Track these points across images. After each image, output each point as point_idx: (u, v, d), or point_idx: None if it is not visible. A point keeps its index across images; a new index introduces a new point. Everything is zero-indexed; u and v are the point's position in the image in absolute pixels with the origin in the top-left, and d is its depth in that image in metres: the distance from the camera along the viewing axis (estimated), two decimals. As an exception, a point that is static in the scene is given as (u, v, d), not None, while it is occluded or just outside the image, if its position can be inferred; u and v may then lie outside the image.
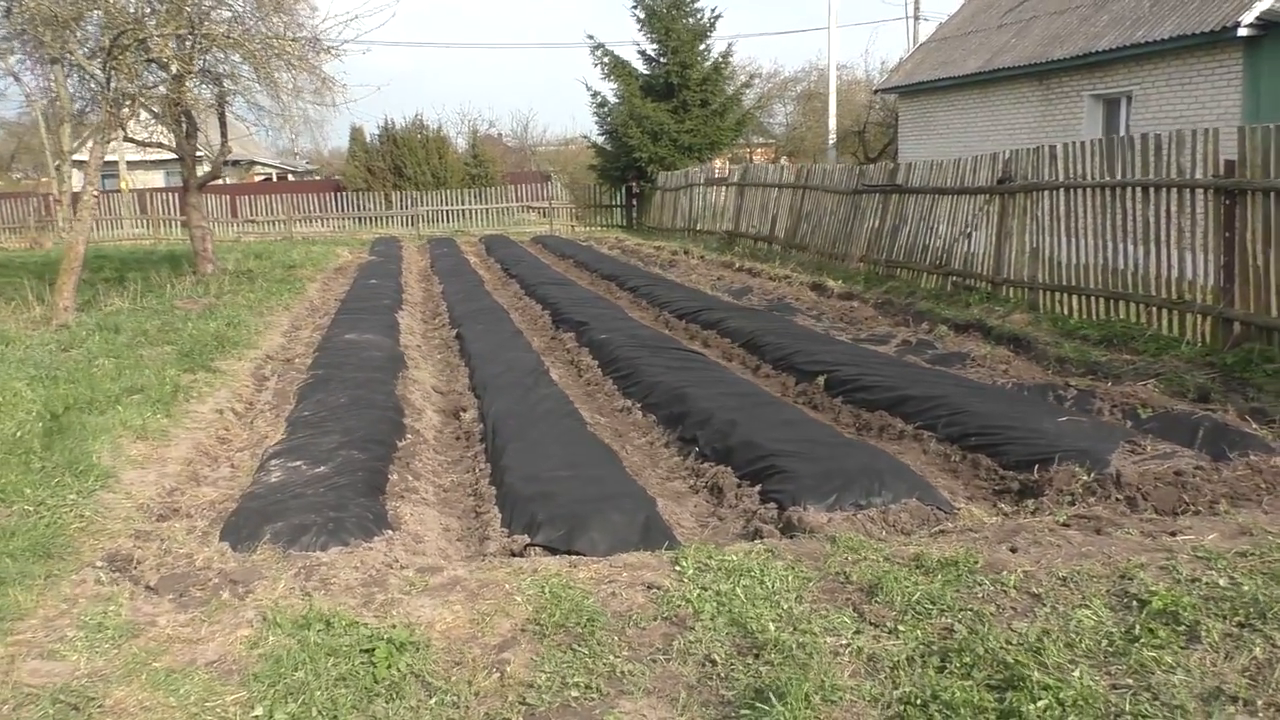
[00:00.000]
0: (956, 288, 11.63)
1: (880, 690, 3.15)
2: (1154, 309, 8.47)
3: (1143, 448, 5.19)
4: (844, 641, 3.51)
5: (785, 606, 3.82)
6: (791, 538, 4.67)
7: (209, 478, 5.86)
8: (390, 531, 4.77)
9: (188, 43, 12.20)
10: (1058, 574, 3.91)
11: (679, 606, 3.90)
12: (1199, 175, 7.82)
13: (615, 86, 27.77)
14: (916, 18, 38.77)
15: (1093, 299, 9.28)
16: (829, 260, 15.44)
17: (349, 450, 5.87)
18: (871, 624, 3.64)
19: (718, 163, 27.73)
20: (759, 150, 42.88)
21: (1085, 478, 4.98)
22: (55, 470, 5.56)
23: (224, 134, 16.58)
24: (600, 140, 29.31)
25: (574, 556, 4.54)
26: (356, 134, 39.47)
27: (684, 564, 4.27)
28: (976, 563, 4.03)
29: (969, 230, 11.59)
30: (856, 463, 5.22)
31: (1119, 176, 8.73)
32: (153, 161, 46.61)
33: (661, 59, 27.82)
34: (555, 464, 5.64)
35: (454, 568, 4.40)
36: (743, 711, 3.06)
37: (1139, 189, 8.49)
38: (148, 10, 11.21)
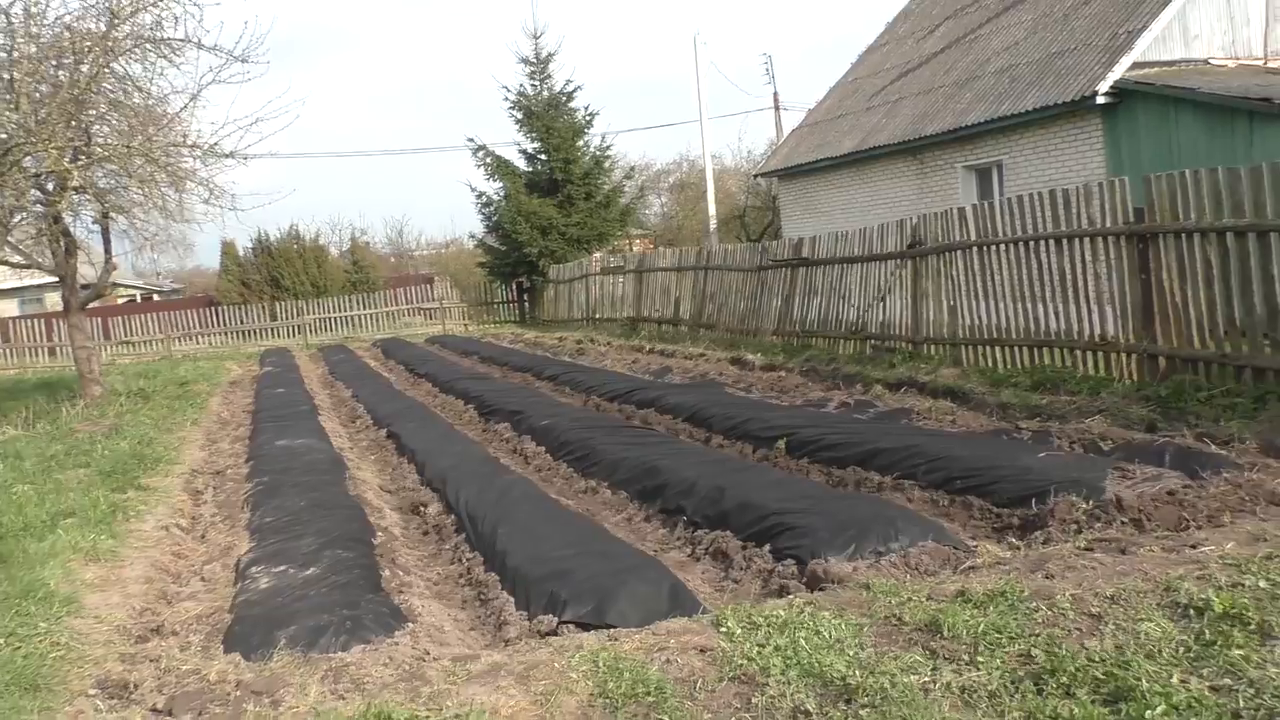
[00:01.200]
0: (877, 350, 12.00)
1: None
2: (1078, 352, 8.91)
3: (1132, 473, 5.40)
4: (927, 679, 3.48)
5: (852, 653, 3.77)
6: (821, 590, 4.64)
7: (181, 594, 5.45)
8: (411, 624, 4.53)
9: (66, 157, 11.74)
10: (1105, 594, 3.98)
11: (742, 665, 3.80)
12: (1109, 224, 8.36)
13: (500, 185, 28.05)
14: (778, 108, 41.11)
15: (1016, 349, 9.71)
16: (740, 336, 15.74)
17: (333, 550, 5.58)
18: (946, 660, 3.62)
19: (596, 255, 27.99)
20: (637, 241, 43.83)
21: (1085, 505, 5.14)
22: (10, 600, 5.08)
23: (108, 251, 15.90)
24: (487, 238, 29.41)
25: (608, 630, 4.38)
26: (228, 248, 38.56)
27: (729, 625, 4.18)
28: (1023, 592, 4.08)
29: (882, 295, 12.03)
30: (866, 512, 5.25)
31: (1031, 231, 9.25)
32: (6, 290, 44.33)
33: (542, 156, 28.29)
34: (554, 544, 5.48)
35: (490, 654, 4.19)
36: (867, 755, 2.98)
37: (1052, 241, 9.01)
38: (34, 123, 10.76)
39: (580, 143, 28.32)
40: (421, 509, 7.48)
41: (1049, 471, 5.61)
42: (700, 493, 6.33)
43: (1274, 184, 6.82)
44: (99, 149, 10.49)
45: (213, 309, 30.73)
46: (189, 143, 11.10)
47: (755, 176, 27.32)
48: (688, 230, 41.02)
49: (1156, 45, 15.17)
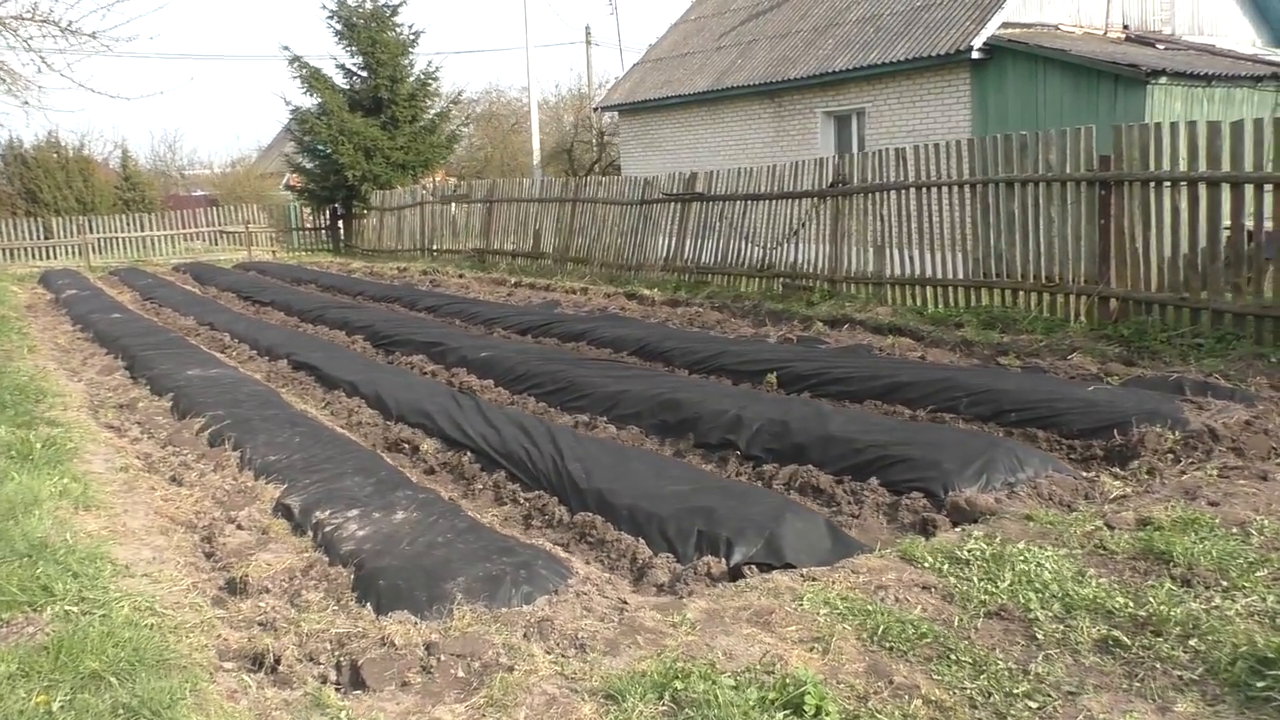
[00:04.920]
0: (789, 288, 12.07)
1: (1331, 643, 3.12)
2: (1023, 293, 9.29)
3: (1207, 404, 5.64)
4: (1208, 606, 3.44)
5: (1098, 584, 3.68)
6: (974, 523, 4.53)
7: (227, 546, 4.61)
8: (580, 569, 4.02)
9: None
10: (1291, 519, 4.12)
11: (985, 601, 3.64)
12: (1069, 170, 8.70)
13: (318, 101, 25.88)
14: (589, 42, 40.71)
15: (952, 289, 10.01)
16: (620, 272, 15.42)
17: (399, 491, 4.90)
18: (1204, 586, 3.60)
19: (398, 191, 25.94)
20: (439, 172, 42.12)
21: (1174, 436, 5.31)
22: (28, 558, 4.11)
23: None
24: (302, 159, 27.15)
25: (796, 571, 4.08)
26: (-31, 154, 33.74)
27: (928, 561, 4.00)
28: (1215, 519, 4.14)
29: (795, 232, 12.07)
30: (980, 443, 5.19)
31: (981, 175, 9.51)
32: None
33: (364, 73, 26.38)
34: (652, 480, 5.06)
35: (694, 601, 3.80)
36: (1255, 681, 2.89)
37: (1003, 184, 9.30)
38: None
39: (405, 61, 26.63)
40: (405, 446, 6.76)
41: (1118, 403, 5.76)
42: (753, 426, 6.05)
43: (1255, 140, 7.28)
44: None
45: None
46: (39, 16, 9.31)
47: (595, 109, 26.71)
48: (496, 163, 39.78)
49: (1018, 7, 15.98)
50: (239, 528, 4.82)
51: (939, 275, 10.15)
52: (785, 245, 12.29)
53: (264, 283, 18.74)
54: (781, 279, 12.27)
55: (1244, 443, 5.17)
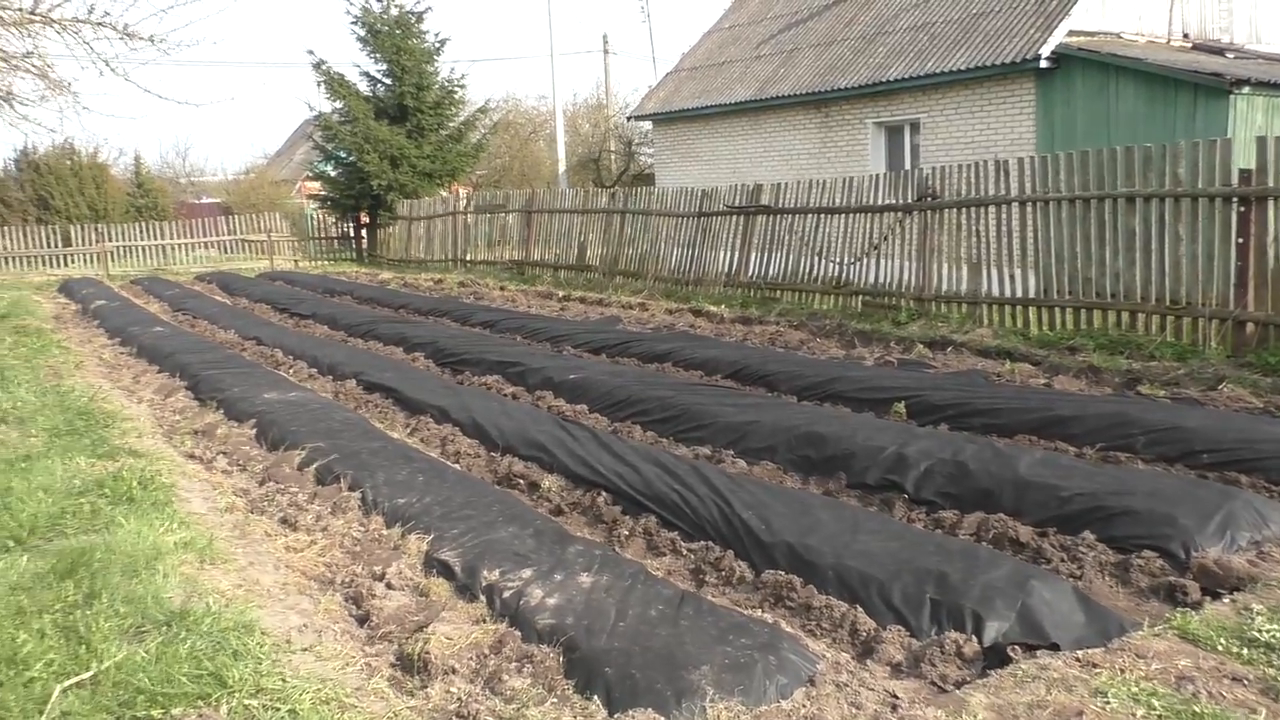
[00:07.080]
0: (870, 306, 11.53)
1: None
2: (1142, 316, 8.75)
3: None
4: None
5: None
6: (1237, 590, 3.98)
7: (383, 610, 4.03)
8: (824, 651, 3.46)
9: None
10: None
11: (1326, 699, 3.08)
12: (1202, 185, 8.17)
13: (341, 107, 25.34)
14: (606, 52, 40.44)
15: (1059, 310, 9.47)
16: (678, 286, 14.88)
17: (570, 547, 4.34)
18: None
19: (427, 200, 25.56)
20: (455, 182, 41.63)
21: None
22: (170, 632, 3.54)
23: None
24: (327, 167, 26.61)
25: (1057, 653, 3.53)
26: (-18, 160, 33.24)
27: (1219, 643, 3.46)
28: None
29: (876, 247, 11.54)
30: (1211, 493, 4.64)
31: (1095, 189, 8.97)
32: None
33: (388, 80, 25.86)
34: (846, 534, 4.49)
35: (971, 693, 3.24)
36: None
37: (1122, 200, 8.77)
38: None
39: (430, 69, 26.11)
40: (520, 481, 6.19)
41: (1336, 446, 5.21)
42: (921, 466, 5.50)
43: None
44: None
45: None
46: (95, 19, 8.74)
47: (629, 118, 26.19)
48: (515, 173, 39.27)
49: (1081, 15, 15.48)
50: (390, 587, 4.25)
51: (1044, 295, 9.61)
52: (864, 261, 11.76)
53: (296, 294, 18.16)
54: (861, 296, 11.73)
55: None
